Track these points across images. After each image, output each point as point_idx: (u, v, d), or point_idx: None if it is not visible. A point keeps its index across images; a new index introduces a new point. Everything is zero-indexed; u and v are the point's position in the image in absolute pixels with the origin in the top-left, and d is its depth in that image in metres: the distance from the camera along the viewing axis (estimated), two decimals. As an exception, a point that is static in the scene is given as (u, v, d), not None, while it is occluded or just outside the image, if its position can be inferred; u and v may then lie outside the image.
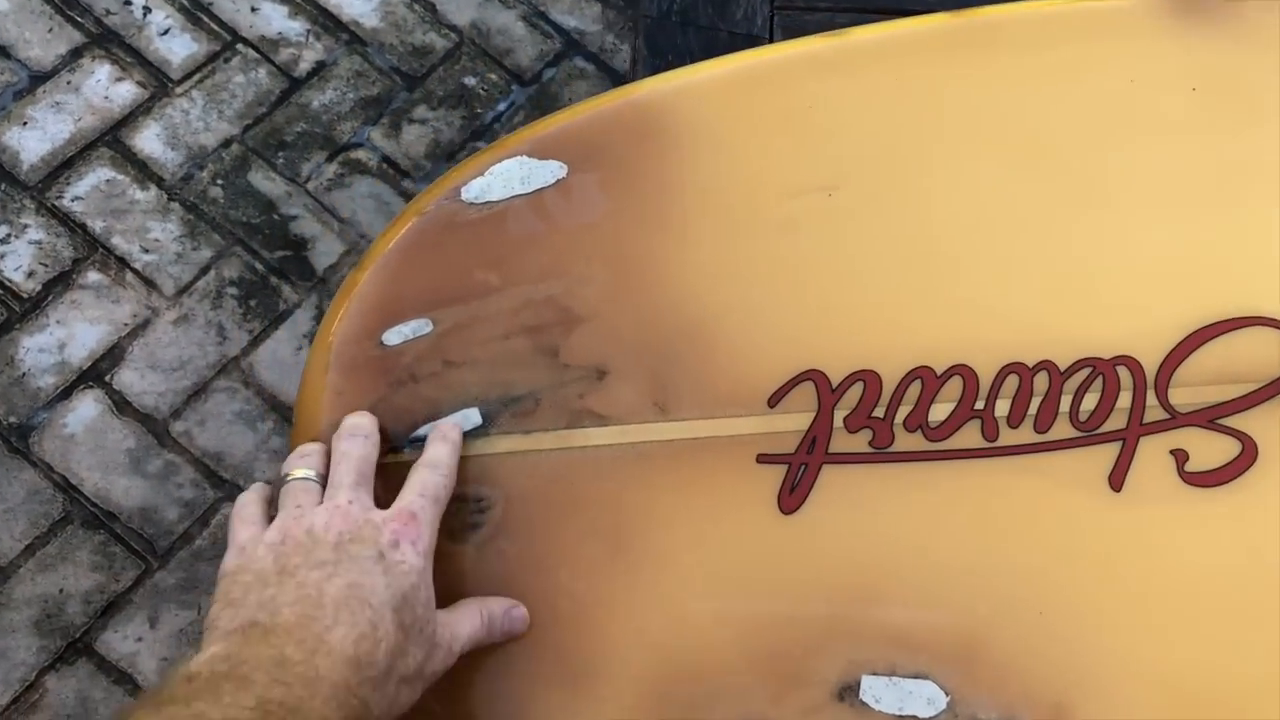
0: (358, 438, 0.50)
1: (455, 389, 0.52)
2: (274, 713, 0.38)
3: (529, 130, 0.56)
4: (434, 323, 0.53)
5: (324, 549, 0.44)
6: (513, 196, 0.55)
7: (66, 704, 1.03)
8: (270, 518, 0.48)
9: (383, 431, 0.51)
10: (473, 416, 0.52)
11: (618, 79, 1.37)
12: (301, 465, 0.49)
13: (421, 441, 0.52)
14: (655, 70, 0.62)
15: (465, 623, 0.47)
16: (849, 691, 0.49)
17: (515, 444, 0.52)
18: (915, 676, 0.49)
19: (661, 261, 0.55)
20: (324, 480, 0.49)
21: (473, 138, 1.32)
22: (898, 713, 0.48)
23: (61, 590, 1.06)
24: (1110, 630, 0.50)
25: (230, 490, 1.13)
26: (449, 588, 0.50)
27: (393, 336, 0.53)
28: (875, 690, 0.48)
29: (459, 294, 0.54)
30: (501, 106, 1.34)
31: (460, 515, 0.51)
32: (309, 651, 0.41)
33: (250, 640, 0.41)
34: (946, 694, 0.49)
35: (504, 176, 0.55)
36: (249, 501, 0.49)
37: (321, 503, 0.47)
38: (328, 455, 0.50)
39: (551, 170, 0.55)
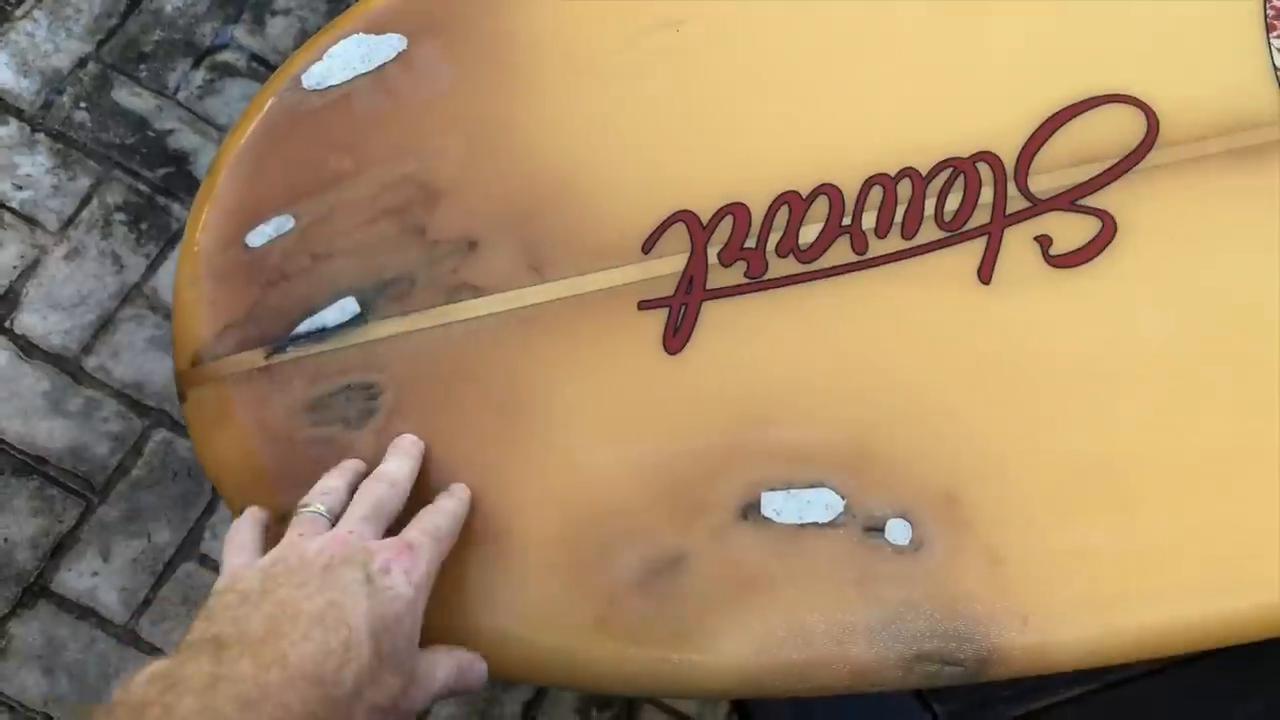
0: (383, 483, 0.48)
1: (327, 281, 0.52)
2: None
3: (362, 6, 0.55)
4: (295, 218, 0.53)
5: (311, 570, 0.43)
6: (355, 77, 0.54)
7: (34, 645, 1.05)
8: (267, 547, 0.47)
9: (264, 333, 0.51)
10: (349, 306, 0.52)
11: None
12: (318, 501, 0.48)
13: (303, 338, 0.52)
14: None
15: (443, 666, 0.46)
16: (751, 509, 0.51)
17: (396, 326, 0.52)
18: (811, 486, 0.51)
19: (516, 122, 0.54)
20: (336, 517, 0.48)
21: (341, 21, 1.27)
22: (799, 521, 0.51)
23: (6, 539, 1.07)
24: (992, 417, 0.53)
25: (158, 417, 1.13)
26: (355, 475, 0.51)
27: (256, 238, 0.53)
28: (775, 504, 0.51)
29: (316, 185, 0.53)
30: (365, -16, 1.28)
31: (353, 404, 0.51)
32: (263, 666, 0.39)
33: (197, 656, 0.40)
34: (842, 498, 0.51)
35: (343, 58, 0.54)
36: (242, 528, 0.48)
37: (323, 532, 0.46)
38: (349, 492, 0.49)
39: (391, 44, 0.54)
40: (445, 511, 0.49)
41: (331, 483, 0.49)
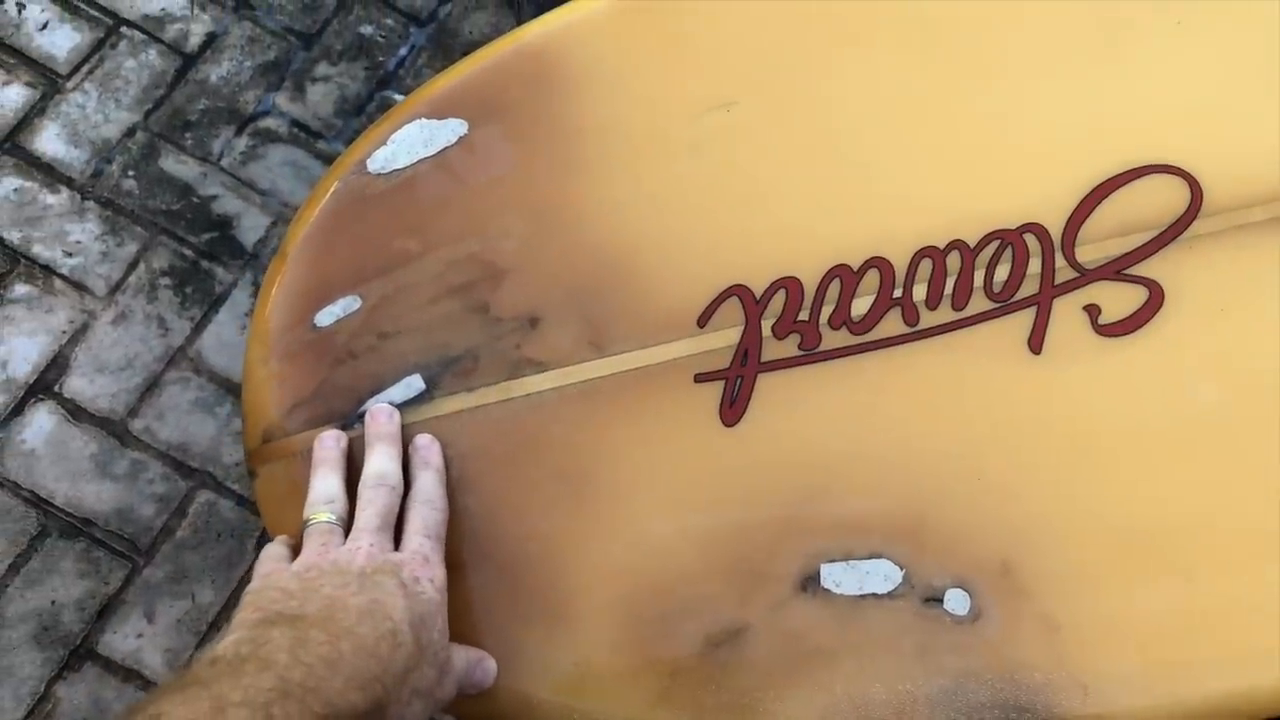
0: (383, 487, 0.51)
1: (394, 359, 0.54)
2: (293, 693, 0.40)
3: (424, 91, 0.57)
4: (362, 298, 0.54)
5: (349, 574, 0.47)
6: (418, 161, 0.55)
7: (80, 708, 1.05)
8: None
9: (332, 410, 0.53)
10: (415, 383, 0.53)
11: (515, 2, 1.34)
12: (325, 510, 0.51)
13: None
14: (541, 8, 0.62)
15: (461, 659, 0.50)
16: (811, 582, 0.52)
17: (461, 402, 0.53)
18: (870, 557, 0.52)
19: (575, 202, 0.56)
20: (345, 523, 0.51)
21: (379, 87, 1.30)
22: (859, 593, 0.51)
23: (53, 602, 1.08)
24: (1046, 485, 0.53)
25: (202, 478, 1.15)
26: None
27: (324, 318, 0.54)
28: (835, 576, 0.52)
29: (382, 266, 0.54)
30: (403, 51, 1.32)
31: (420, 479, 0.52)
32: (334, 636, 0.43)
33: (276, 624, 0.43)
34: (901, 568, 0.52)
35: (406, 143, 0.55)
36: (273, 546, 0.51)
37: (344, 544, 0.49)
38: (349, 496, 0.52)
39: (452, 129, 0.56)
40: (433, 500, 0.52)
41: (329, 487, 0.52)
